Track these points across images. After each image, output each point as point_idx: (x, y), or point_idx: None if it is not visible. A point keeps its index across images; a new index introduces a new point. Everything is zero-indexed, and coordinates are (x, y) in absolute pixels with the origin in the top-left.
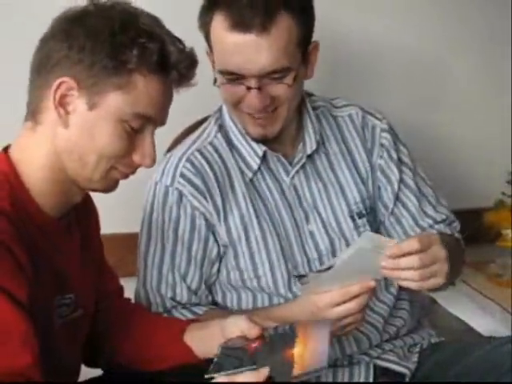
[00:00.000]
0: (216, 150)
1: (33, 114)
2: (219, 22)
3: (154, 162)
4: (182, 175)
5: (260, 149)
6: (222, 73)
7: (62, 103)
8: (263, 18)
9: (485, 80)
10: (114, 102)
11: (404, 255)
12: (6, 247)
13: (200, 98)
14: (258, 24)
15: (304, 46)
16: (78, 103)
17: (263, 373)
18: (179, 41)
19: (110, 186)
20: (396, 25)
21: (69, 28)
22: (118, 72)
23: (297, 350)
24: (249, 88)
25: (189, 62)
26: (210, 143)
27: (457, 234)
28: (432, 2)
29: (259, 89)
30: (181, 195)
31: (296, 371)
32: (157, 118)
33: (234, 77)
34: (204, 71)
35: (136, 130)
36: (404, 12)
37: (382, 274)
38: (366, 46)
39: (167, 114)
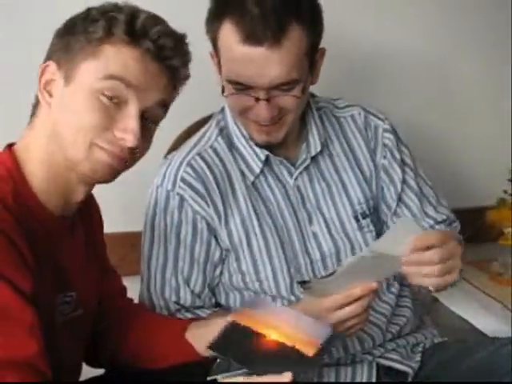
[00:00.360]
0: (217, 154)
1: (33, 110)
2: (229, 32)
3: (136, 139)
4: (183, 180)
5: (263, 153)
6: (230, 82)
7: (47, 89)
8: (275, 31)
9: (486, 81)
10: (85, 71)
11: (425, 249)
12: (6, 236)
13: (200, 99)
14: (270, 37)
15: (312, 55)
16: (58, 83)
17: (286, 378)
18: (160, 19)
19: (99, 171)
20: (398, 28)
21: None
22: (88, 43)
23: (277, 336)
24: (257, 99)
25: (163, 29)
26: (211, 146)
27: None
28: (435, 6)
29: (268, 100)
30: (182, 200)
31: (310, 351)
32: (137, 84)
33: (242, 87)
34: (206, 72)
35: (115, 101)
36: (406, 15)
37: (402, 270)
38: (368, 48)
39: (159, 91)
